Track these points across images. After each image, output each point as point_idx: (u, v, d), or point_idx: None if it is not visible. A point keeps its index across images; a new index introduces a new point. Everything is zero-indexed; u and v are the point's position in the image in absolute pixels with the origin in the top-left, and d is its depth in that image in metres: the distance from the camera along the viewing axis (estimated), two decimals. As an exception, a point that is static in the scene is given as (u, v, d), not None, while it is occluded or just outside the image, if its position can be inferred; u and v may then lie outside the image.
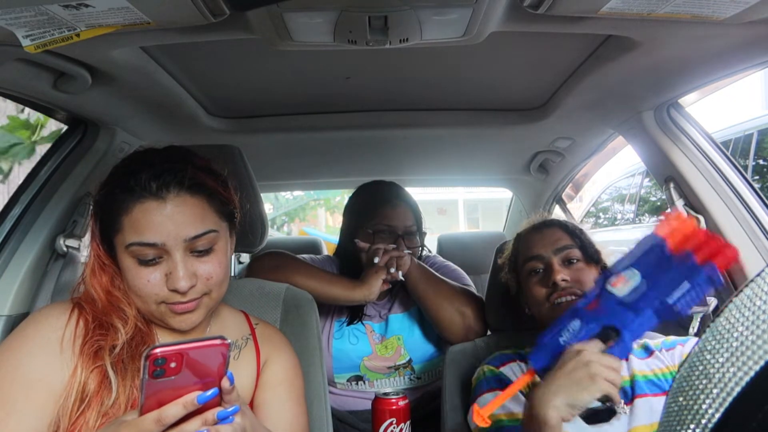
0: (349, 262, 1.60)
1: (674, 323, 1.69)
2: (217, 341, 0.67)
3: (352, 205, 1.67)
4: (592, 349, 0.84)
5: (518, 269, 1.24)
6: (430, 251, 1.79)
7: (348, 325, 1.57)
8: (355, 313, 1.58)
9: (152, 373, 0.64)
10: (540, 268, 1.17)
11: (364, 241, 1.52)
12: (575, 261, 1.15)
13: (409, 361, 1.55)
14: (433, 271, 1.51)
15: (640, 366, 1.09)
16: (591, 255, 1.17)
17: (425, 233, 1.67)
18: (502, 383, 1.11)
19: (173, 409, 0.65)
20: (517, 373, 1.14)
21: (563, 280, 1.11)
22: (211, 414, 0.68)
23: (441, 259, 1.77)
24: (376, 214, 1.55)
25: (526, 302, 1.22)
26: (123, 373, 0.84)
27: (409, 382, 1.57)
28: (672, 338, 1.17)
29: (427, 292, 1.46)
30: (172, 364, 0.65)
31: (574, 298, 1.10)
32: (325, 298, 1.42)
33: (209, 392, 0.67)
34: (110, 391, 0.82)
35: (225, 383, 0.68)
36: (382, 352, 1.54)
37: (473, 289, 1.63)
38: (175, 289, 0.84)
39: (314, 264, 1.54)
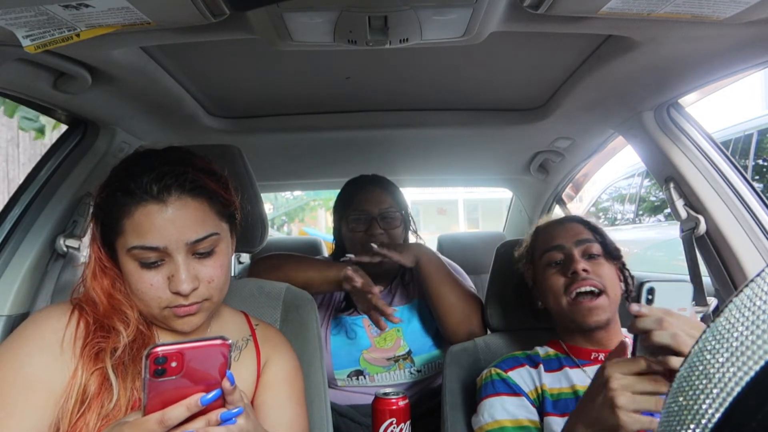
0: (343, 256, 1.62)
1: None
2: (218, 341, 0.68)
3: (335, 202, 1.71)
4: (626, 372, 0.78)
5: (535, 261, 1.23)
6: (425, 242, 1.80)
7: (343, 311, 1.58)
8: (350, 301, 1.59)
9: (153, 372, 0.65)
10: (559, 259, 1.15)
11: (345, 229, 1.60)
12: (596, 256, 1.14)
13: (409, 352, 1.56)
14: (447, 267, 1.51)
15: None
16: (611, 252, 1.16)
17: (411, 219, 1.69)
18: (509, 389, 1.11)
19: (177, 411, 0.66)
20: (525, 378, 1.12)
21: (584, 270, 1.10)
22: (215, 415, 0.68)
23: (439, 255, 1.77)
24: (351, 201, 1.60)
25: (542, 295, 1.20)
26: (124, 375, 0.84)
27: (409, 375, 1.57)
28: None
29: (441, 289, 1.47)
30: (173, 364, 0.65)
31: (594, 290, 1.08)
32: (325, 284, 1.44)
33: (212, 394, 0.68)
34: (111, 393, 0.82)
35: (226, 384, 0.68)
36: (381, 344, 1.55)
37: (473, 288, 1.64)
38: (178, 291, 0.84)
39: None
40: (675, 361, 0.75)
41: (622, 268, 1.18)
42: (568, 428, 0.85)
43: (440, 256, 1.55)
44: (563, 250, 1.16)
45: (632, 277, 1.19)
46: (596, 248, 1.15)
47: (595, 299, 1.08)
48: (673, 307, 0.81)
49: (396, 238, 1.59)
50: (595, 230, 1.19)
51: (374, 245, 1.46)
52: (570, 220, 1.24)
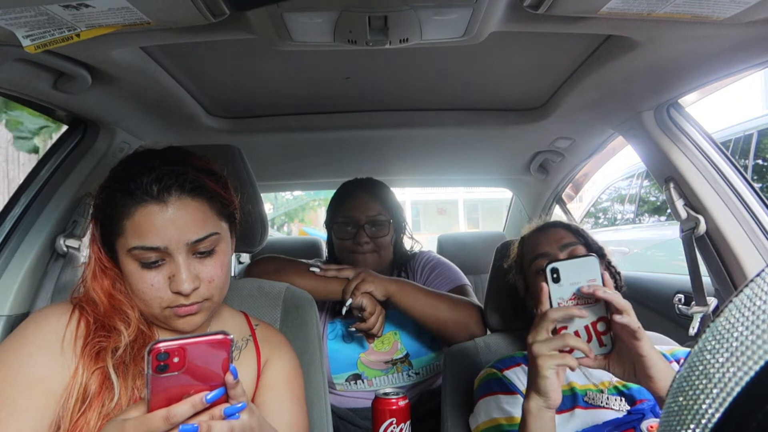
0: (335, 259, 1.64)
1: (674, 323, 1.70)
2: (220, 336, 0.68)
3: (328, 205, 1.73)
4: (536, 332, 0.87)
5: (525, 270, 1.25)
6: (421, 246, 1.80)
7: (339, 315, 1.58)
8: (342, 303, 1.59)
9: (155, 368, 0.65)
10: None
11: (333, 235, 1.62)
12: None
13: (406, 355, 1.56)
14: (423, 289, 1.48)
15: None
16: (595, 251, 1.19)
17: (405, 223, 1.68)
18: (504, 387, 1.11)
19: (182, 408, 0.66)
20: (521, 377, 1.13)
21: None
22: (219, 409, 0.69)
23: (434, 254, 1.77)
24: (340, 207, 1.61)
25: (535, 303, 1.22)
26: (125, 374, 0.84)
27: (408, 378, 1.57)
28: (682, 350, 1.16)
29: (425, 312, 1.43)
30: (175, 359, 0.65)
31: None
32: (326, 295, 1.44)
33: (216, 391, 0.68)
34: (112, 392, 0.82)
35: (229, 378, 0.69)
36: (379, 347, 1.54)
37: (470, 287, 1.64)
38: (179, 291, 0.84)
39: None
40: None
41: (608, 266, 1.21)
42: (525, 400, 0.91)
43: (408, 283, 1.48)
44: (549, 256, 1.18)
45: (619, 273, 1.23)
46: (580, 250, 1.18)
47: None
48: (582, 281, 0.87)
49: (384, 245, 1.59)
50: (577, 232, 1.22)
51: (349, 299, 1.42)
52: (552, 225, 1.27)
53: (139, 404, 0.69)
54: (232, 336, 0.69)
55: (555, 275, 0.88)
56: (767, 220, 1.29)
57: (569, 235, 1.21)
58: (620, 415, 1.03)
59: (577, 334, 0.87)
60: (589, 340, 0.88)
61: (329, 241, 1.69)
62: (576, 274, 0.88)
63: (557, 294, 0.88)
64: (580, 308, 0.87)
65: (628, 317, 0.83)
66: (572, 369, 0.86)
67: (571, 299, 0.88)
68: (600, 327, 0.88)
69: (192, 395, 0.67)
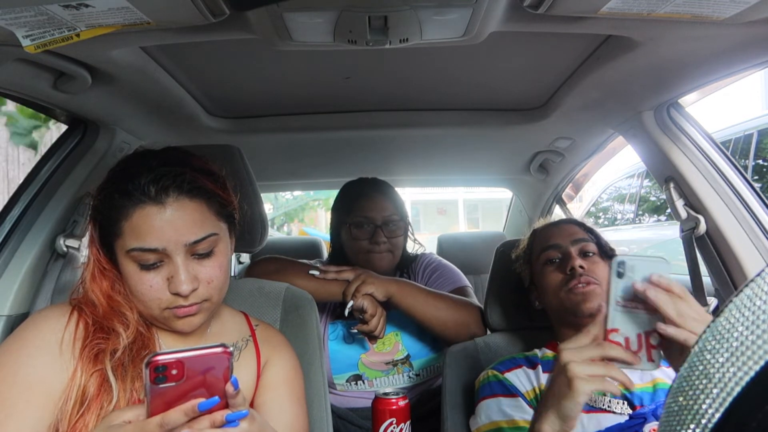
0: (341, 259, 1.63)
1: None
2: (219, 349, 0.68)
3: (334, 204, 1.72)
4: (573, 347, 0.79)
5: (533, 261, 1.26)
6: (424, 248, 1.80)
7: (340, 317, 1.58)
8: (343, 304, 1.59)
9: (154, 380, 0.65)
10: (557, 257, 1.19)
11: (346, 235, 1.60)
12: (591, 254, 1.18)
13: (407, 357, 1.56)
14: (423, 289, 1.48)
15: (663, 374, 1.08)
16: (606, 251, 1.21)
17: (409, 225, 1.69)
18: (505, 389, 1.11)
19: (174, 416, 0.66)
20: (522, 379, 1.13)
21: (581, 266, 1.13)
22: (220, 415, 0.69)
23: (436, 256, 1.78)
24: (353, 207, 1.60)
25: (539, 294, 1.23)
26: (123, 376, 0.84)
27: (408, 379, 1.57)
28: None
29: (426, 312, 1.43)
30: (174, 371, 0.66)
31: (590, 286, 1.11)
32: (326, 296, 1.44)
33: (209, 400, 0.68)
34: (110, 394, 0.82)
35: (229, 388, 0.69)
36: (380, 348, 1.55)
37: (470, 288, 1.64)
38: (177, 292, 0.84)
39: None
40: (673, 331, 0.74)
41: None
42: (538, 414, 0.84)
43: (408, 282, 1.49)
44: (560, 248, 1.19)
45: None
46: (592, 247, 1.19)
47: (589, 285, 1.11)
48: None
49: (398, 245, 1.59)
50: (590, 231, 1.24)
51: (349, 297, 1.41)
52: (566, 221, 1.28)
53: (136, 406, 0.69)
54: (231, 348, 0.69)
55: (620, 269, 0.79)
56: (767, 220, 1.29)
57: (582, 231, 1.22)
58: (622, 419, 1.03)
59: (627, 341, 0.78)
60: (638, 351, 0.78)
61: (337, 242, 1.67)
62: (642, 274, 0.78)
63: (617, 291, 0.79)
64: (637, 313, 0.78)
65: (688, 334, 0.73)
66: (615, 394, 0.80)
67: (630, 299, 0.79)
68: (653, 340, 0.78)
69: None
